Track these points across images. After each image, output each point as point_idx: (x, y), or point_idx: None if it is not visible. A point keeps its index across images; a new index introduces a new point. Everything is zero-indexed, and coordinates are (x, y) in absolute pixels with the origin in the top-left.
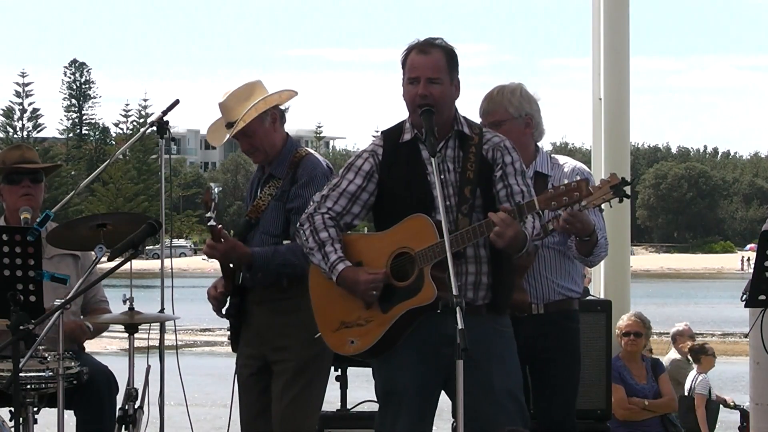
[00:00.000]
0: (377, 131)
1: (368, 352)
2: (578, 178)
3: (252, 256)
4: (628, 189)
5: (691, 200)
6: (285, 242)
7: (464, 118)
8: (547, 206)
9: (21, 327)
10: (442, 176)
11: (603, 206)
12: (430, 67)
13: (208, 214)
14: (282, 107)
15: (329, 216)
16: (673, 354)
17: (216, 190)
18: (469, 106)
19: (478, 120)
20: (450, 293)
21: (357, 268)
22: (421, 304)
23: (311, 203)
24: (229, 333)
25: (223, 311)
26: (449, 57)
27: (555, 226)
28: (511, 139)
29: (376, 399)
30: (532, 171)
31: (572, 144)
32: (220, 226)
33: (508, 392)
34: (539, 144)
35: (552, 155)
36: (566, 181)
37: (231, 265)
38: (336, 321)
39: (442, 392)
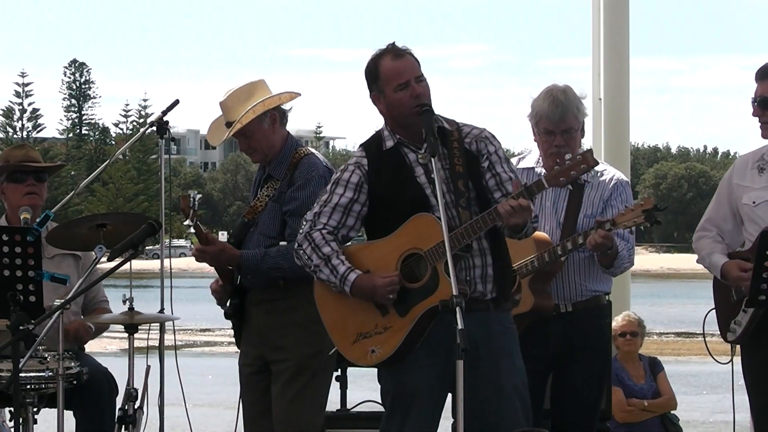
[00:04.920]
0: (356, 151)
1: (391, 359)
2: (624, 196)
3: (241, 259)
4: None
5: (691, 200)
6: (281, 243)
7: (439, 114)
8: (556, 182)
9: (21, 327)
10: (432, 175)
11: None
12: (413, 67)
13: (187, 222)
14: (284, 107)
15: (327, 231)
16: None
17: (197, 197)
18: (469, 105)
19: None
20: (475, 286)
21: (370, 274)
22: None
23: (304, 222)
24: (232, 333)
25: (224, 312)
26: (415, 57)
27: (588, 245)
28: (572, 148)
29: (381, 400)
30: None
31: None
32: (207, 231)
33: (516, 389)
34: None
35: None
36: (568, 156)
37: (230, 267)
38: (353, 333)
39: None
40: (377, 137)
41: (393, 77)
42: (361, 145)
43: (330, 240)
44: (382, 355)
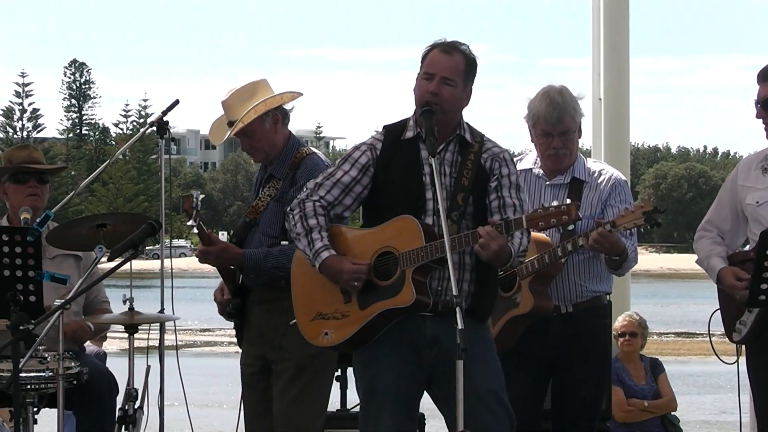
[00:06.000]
0: (377, 131)
1: (341, 346)
2: (621, 195)
3: (244, 258)
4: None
5: (691, 200)
6: (283, 243)
7: (467, 124)
8: (535, 226)
9: (21, 327)
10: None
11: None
12: (448, 68)
13: (190, 222)
14: (286, 107)
15: (320, 204)
16: None
17: (200, 197)
18: (469, 105)
19: (481, 127)
20: (445, 296)
21: (342, 257)
22: (398, 306)
23: (305, 189)
24: (234, 332)
25: (226, 311)
26: (468, 63)
27: (585, 245)
28: (570, 149)
29: (358, 398)
30: (569, 176)
31: None
32: (209, 231)
33: (492, 393)
34: None
35: (587, 160)
36: (554, 203)
37: (231, 267)
38: (313, 311)
39: (426, 393)
40: (402, 124)
41: (426, 64)
42: (384, 126)
43: (320, 214)
44: (333, 340)
